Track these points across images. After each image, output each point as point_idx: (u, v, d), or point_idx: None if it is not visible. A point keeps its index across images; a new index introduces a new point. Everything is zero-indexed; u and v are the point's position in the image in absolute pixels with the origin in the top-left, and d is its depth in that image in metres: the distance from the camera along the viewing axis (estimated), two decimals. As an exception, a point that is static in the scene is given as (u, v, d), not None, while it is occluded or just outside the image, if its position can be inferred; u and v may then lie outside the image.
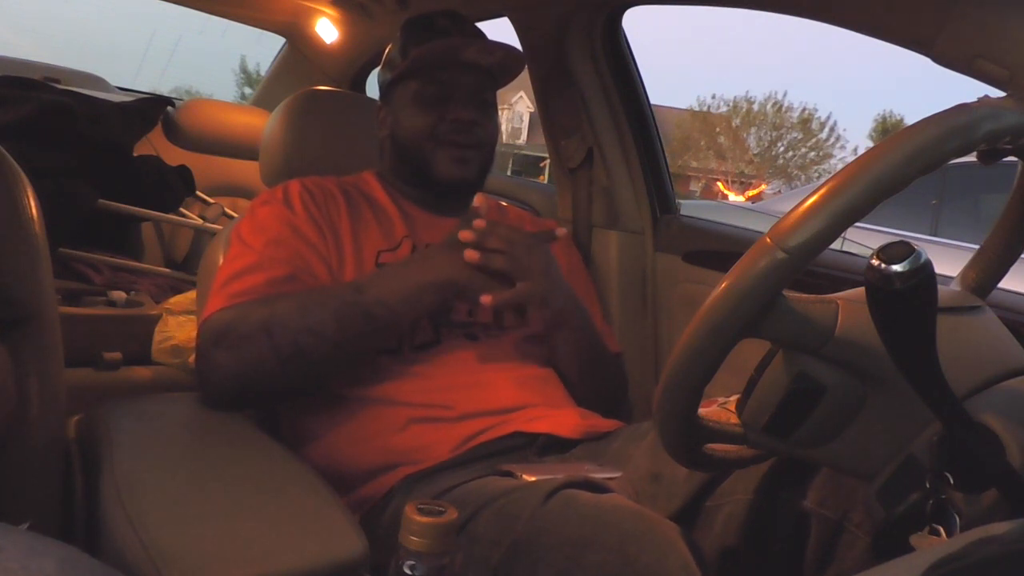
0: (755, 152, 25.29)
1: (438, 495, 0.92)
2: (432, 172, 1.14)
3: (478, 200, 1.05)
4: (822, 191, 0.59)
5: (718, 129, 25.10)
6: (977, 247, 0.80)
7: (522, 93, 22.66)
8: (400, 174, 1.19)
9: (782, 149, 25.65)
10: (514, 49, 1.16)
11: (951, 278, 0.81)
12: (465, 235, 1.00)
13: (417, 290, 0.99)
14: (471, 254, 0.98)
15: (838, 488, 0.80)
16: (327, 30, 2.24)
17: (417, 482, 0.97)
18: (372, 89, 2.34)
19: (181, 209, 2.15)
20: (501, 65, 1.15)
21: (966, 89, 0.76)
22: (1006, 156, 0.68)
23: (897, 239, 0.58)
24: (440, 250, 1.02)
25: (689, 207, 1.79)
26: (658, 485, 0.90)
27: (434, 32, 1.15)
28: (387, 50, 1.21)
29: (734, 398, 0.73)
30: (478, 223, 1.00)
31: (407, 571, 0.54)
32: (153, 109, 2.23)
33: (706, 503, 0.87)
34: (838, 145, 25.26)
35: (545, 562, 0.75)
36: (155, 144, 2.22)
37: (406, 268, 1.02)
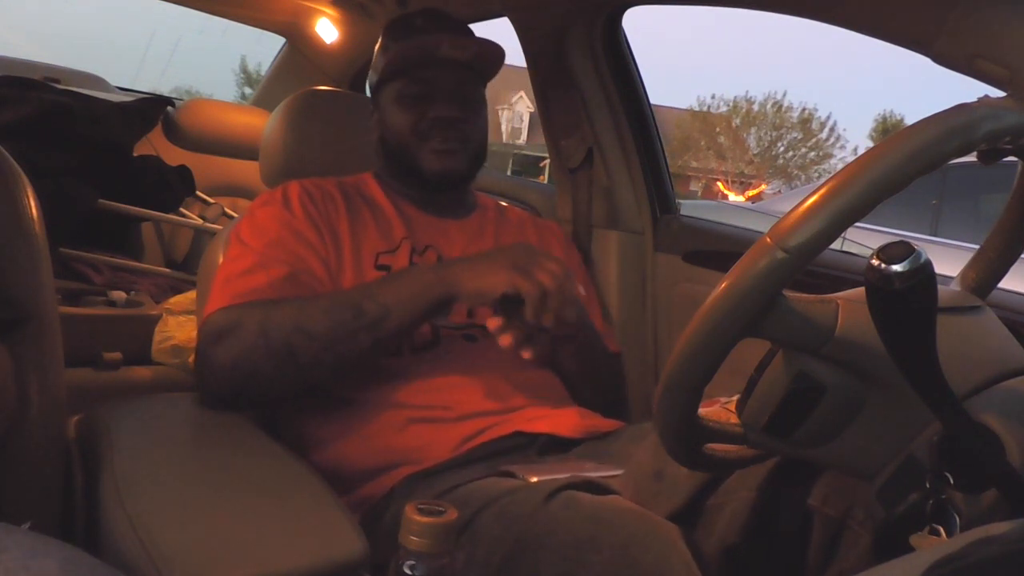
0: (755, 152, 25.29)
1: (439, 495, 0.92)
2: (419, 167, 1.14)
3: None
4: (822, 191, 0.59)
5: (718, 129, 25.10)
6: (977, 247, 0.80)
7: (522, 93, 22.66)
8: (394, 174, 1.19)
9: (782, 149, 25.65)
10: (489, 42, 1.15)
11: (951, 278, 0.81)
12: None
13: (416, 292, 0.98)
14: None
15: (841, 486, 0.79)
16: (327, 30, 2.24)
17: (418, 482, 0.97)
18: (372, 89, 2.34)
19: (181, 209, 2.15)
20: (479, 59, 1.15)
21: (966, 89, 0.76)
22: (1006, 156, 0.68)
23: (897, 239, 0.58)
24: (458, 263, 1.00)
25: (689, 207, 1.79)
26: (660, 483, 0.89)
27: (412, 31, 1.15)
28: (374, 53, 1.21)
29: (736, 398, 0.73)
30: None
31: (407, 571, 0.54)
32: (153, 109, 2.23)
33: (708, 501, 0.87)
34: (838, 145, 25.31)
35: (548, 563, 0.75)
36: (155, 144, 2.22)
37: (410, 273, 1.01)
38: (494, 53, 1.16)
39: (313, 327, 0.96)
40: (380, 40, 1.19)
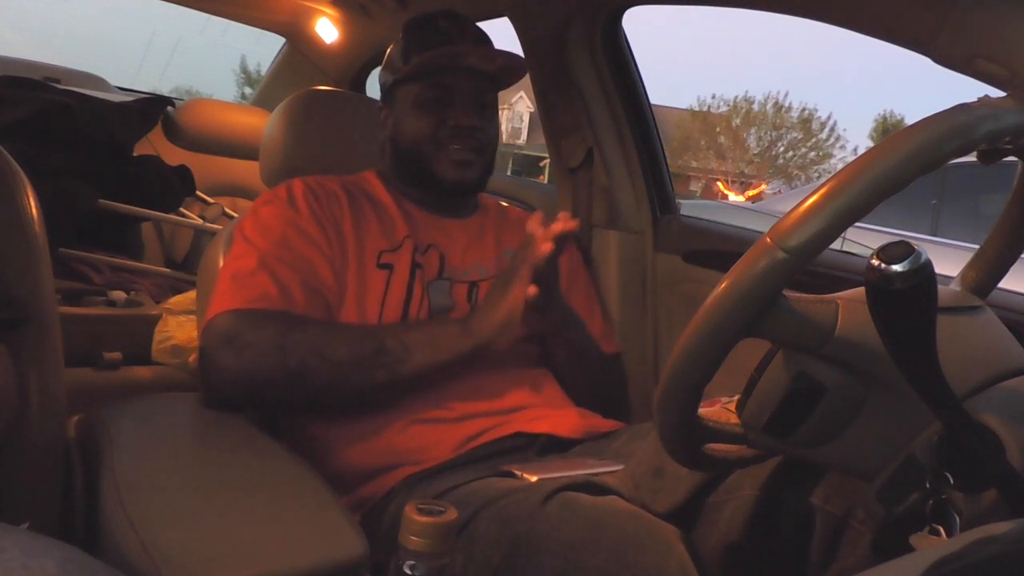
0: (755, 152, 25.28)
1: (439, 495, 0.92)
2: (433, 175, 1.14)
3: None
4: (822, 191, 0.59)
5: (718, 129, 25.09)
6: (977, 247, 0.80)
7: (522, 93, 22.65)
8: (401, 175, 1.19)
9: (782, 149, 25.64)
10: (515, 55, 1.16)
11: (951, 278, 0.81)
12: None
13: (439, 338, 1.00)
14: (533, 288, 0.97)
15: (843, 484, 0.79)
16: (327, 30, 2.24)
17: (418, 482, 0.97)
18: (372, 89, 2.34)
19: (181, 209, 2.15)
20: (502, 70, 1.15)
21: (966, 89, 0.76)
22: (1006, 156, 0.68)
23: (897, 239, 0.58)
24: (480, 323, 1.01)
25: (689, 207, 1.79)
26: (661, 479, 0.90)
27: (435, 34, 1.14)
28: (388, 51, 1.21)
29: (736, 398, 0.73)
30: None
31: (407, 571, 0.54)
32: (153, 109, 2.23)
33: (709, 499, 0.87)
34: (838, 145, 25.28)
35: (544, 565, 0.76)
36: (155, 144, 2.22)
37: (439, 321, 1.04)
38: (518, 66, 1.16)
39: (332, 353, 0.96)
40: (401, 40, 1.17)
